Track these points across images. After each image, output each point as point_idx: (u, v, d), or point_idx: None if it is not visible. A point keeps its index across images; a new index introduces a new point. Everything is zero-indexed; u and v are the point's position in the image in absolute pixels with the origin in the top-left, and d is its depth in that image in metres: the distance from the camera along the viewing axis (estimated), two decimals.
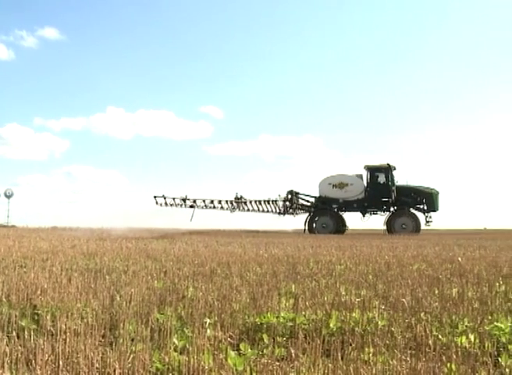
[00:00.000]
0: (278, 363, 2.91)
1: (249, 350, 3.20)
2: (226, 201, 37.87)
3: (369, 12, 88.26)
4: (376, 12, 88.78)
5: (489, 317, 4.07)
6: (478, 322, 3.84)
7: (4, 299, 4.55)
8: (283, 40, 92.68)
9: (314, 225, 35.84)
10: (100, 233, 24.96)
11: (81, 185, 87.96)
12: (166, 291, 5.15)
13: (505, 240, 20.88)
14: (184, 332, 3.56)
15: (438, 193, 36.04)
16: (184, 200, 37.90)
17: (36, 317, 3.97)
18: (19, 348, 3.03)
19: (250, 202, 37.80)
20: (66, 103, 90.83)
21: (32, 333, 3.33)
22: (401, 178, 36.69)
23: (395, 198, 35.11)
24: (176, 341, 3.31)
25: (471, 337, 3.48)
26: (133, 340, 3.28)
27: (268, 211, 37.93)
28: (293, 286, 5.63)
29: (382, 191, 35.39)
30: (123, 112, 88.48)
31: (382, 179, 35.95)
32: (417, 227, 34.65)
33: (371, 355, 3.12)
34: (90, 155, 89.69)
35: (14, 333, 3.43)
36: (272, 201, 37.64)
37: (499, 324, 3.76)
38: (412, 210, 35.48)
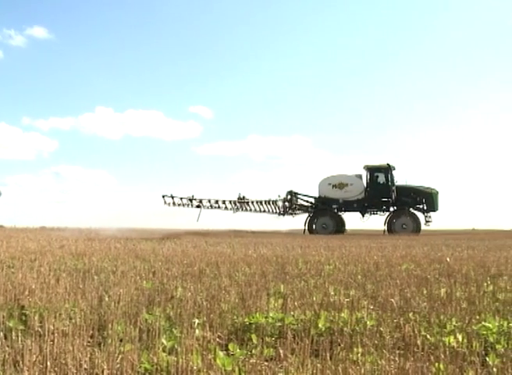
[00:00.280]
0: (266, 363, 2.91)
1: (238, 350, 3.20)
2: (230, 202, 37.72)
3: (357, 11, 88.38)
4: (363, 11, 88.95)
5: (477, 317, 4.09)
6: (466, 322, 3.85)
7: None
8: (272, 41, 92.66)
9: (314, 225, 35.78)
10: (88, 233, 24.87)
11: (70, 185, 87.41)
12: (155, 291, 5.14)
13: (493, 240, 20.99)
14: (173, 332, 3.55)
15: (437, 193, 35.99)
16: (191, 200, 37.61)
17: (23, 318, 3.95)
18: (7, 348, 3.02)
19: (252, 203, 37.69)
20: (55, 103, 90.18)
21: (19, 333, 3.32)
22: (400, 178, 36.65)
23: (395, 198, 35.10)
24: (165, 342, 3.30)
25: (459, 336, 3.49)
26: (121, 340, 3.27)
27: (269, 211, 37.87)
28: (282, 286, 5.63)
29: (382, 191, 35.33)
30: (112, 112, 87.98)
31: (381, 179, 35.88)
32: (417, 227, 34.60)
33: (359, 355, 3.12)
34: (78, 155, 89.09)
35: (1, 334, 3.40)
36: (272, 201, 37.57)
37: (486, 324, 3.78)
38: (412, 210, 35.46)
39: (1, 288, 4.92)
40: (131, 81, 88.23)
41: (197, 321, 3.81)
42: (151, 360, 2.93)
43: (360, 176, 36.44)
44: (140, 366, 2.86)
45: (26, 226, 38.36)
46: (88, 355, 2.94)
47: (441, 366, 2.82)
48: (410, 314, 4.20)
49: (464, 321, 3.88)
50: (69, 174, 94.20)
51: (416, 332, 3.54)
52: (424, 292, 5.36)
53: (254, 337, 3.55)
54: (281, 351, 3.02)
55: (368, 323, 3.87)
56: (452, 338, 3.48)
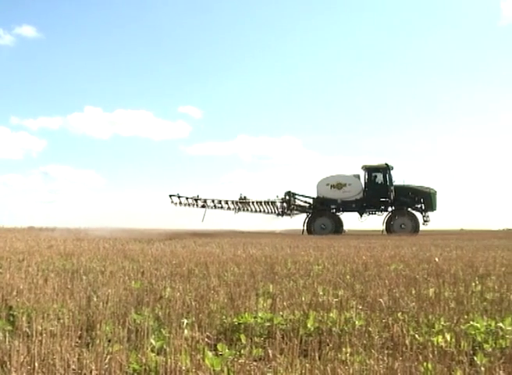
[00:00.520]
0: (255, 363, 2.91)
1: (226, 350, 3.20)
2: (232, 202, 37.61)
3: (347, 11, 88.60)
4: (353, 11, 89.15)
5: (465, 317, 4.10)
6: (455, 321, 3.87)
7: None
8: (262, 42, 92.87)
9: (312, 226, 35.72)
10: (77, 233, 24.79)
11: (58, 185, 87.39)
12: (143, 291, 5.13)
13: (481, 240, 21.06)
14: (161, 332, 3.55)
15: (436, 192, 36.00)
16: (196, 200, 37.41)
17: (11, 318, 3.93)
18: None
19: (253, 203, 37.60)
20: (43, 102, 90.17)
21: (7, 334, 3.31)
22: (398, 178, 36.64)
23: (393, 198, 35.10)
24: (153, 342, 3.29)
25: (448, 336, 3.50)
26: (109, 341, 3.26)
27: (268, 212, 37.80)
28: (271, 286, 5.63)
29: (381, 191, 35.30)
30: (101, 112, 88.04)
31: (380, 179, 35.90)
32: (416, 227, 34.62)
33: (348, 354, 3.13)
34: (67, 154, 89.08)
35: None
36: (271, 202, 37.51)
37: (474, 323, 3.80)
38: (410, 210, 35.47)
39: None
40: (120, 81, 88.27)
41: (185, 321, 3.81)
42: (139, 360, 2.92)
43: (358, 177, 36.41)
44: (129, 367, 2.85)
45: (14, 226, 38.23)
46: (76, 356, 2.93)
47: (429, 365, 2.83)
48: (399, 314, 4.20)
49: (453, 321, 3.89)
50: (58, 174, 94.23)
51: (404, 332, 3.56)
52: (413, 292, 5.37)
53: (242, 337, 3.55)
54: (270, 351, 3.02)
55: (356, 322, 3.88)
56: (440, 338, 3.49)
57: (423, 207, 35.45)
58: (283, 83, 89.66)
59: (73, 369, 2.79)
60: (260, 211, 37.81)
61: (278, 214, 37.44)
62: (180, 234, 26.88)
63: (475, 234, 33.14)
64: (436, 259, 9.27)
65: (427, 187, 36.12)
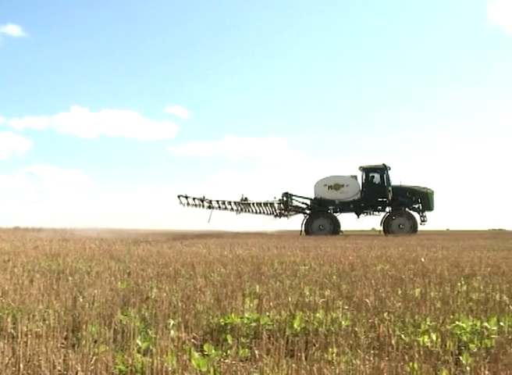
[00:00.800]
0: (241, 364, 2.91)
1: (213, 351, 3.20)
2: (235, 203, 37.44)
3: (334, 12, 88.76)
4: (343, 12, 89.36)
5: (451, 316, 4.12)
6: (440, 321, 3.88)
7: None
8: (249, 42, 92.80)
9: (310, 227, 35.63)
10: (63, 233, 24.68)
11: (44, 185, 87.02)
12: (130, 292, 5.12)
13: (467, 240, 21.17)
14: (148, 333, 3.54)
15: (433, 192, 35.95)
16: (202, 200, 37.18)
17: None
18: None
19: (253, 204, 37.50)
20: (29, 102, 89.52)
21: None
22: (395, 178, 36.63)
23: (391, 199, 35.13)
24: (140, 343, 3.29)
25: (433, 336, 3.52)
26: (95, 341, 3.25)
27: (268, 213, 37.72)
28: (258, 286, 5.63)
29: (378, 192, 35.19)
30: (87, 112, 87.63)
31: (377, 179, 35.88)
32: (414, 227, 34.64)
33: (334, 355, 3.13)
34: (53, 154, 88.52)
35: None
36: (270, 203, 37.44)
37: (460, 323, 3.82)
38: (408, 210, 35.49)
39: None
40: (107, 81, 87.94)
41: (172, 322, 3.80)
42: (125, 361, 2.91)
43: (355, 177, 36.35)
44: (115, 368, 2.84)
45: None
46: (62, 357, 2.92)
47: (415, 365, 2.84)
48: (385, 314, 4.22)
49: (438, 321, 3.91)
50: (44, 174, 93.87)
51: (390, 332, 3.57)
52: (399, 292, 5.39)
53: (229, 337, 3.55)
54: (256, 352, 3.02)
55: (342, 323, 3.89)
56: (426, 338, 3.51)
57: (420, 207, 35.52)
58: (270, 84, 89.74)
59: (59, 371, 2.78)
60: (260, 212, 37.76)
61: (275, 215, 37.41)
62: (169, 235, 26.82)
63: (461, 235, 33.32)
64: (422, 259, 9.30)
65: (424, 187, 36.14)
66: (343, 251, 12.65)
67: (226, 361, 2.84)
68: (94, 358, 2.84)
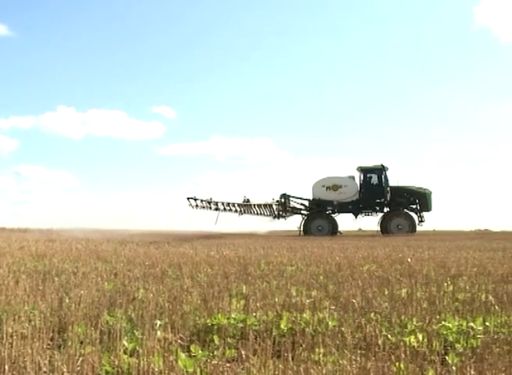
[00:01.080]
0: (228, 364, 2.90)
1: (199, 351, 3.19)
2: (238, 205, 37.34)
3: (325, 13, 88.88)
4: (335, 13, 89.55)
5: (437, 317, 4.13)
6: (427, 321, 3.90)
7: None
8: (237, 43, 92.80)
9: (309, 228, 35.58)
10: (49, 234, 24.56)
11: (30, 185, 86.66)
12: (116, 292, 5.10)
13: (453, 241, 21.25)
14: (134, 334, 3.53)
15: (431, 193, 36.06)
16: (209, 202, 36.99)
17: None
18: None
19: (254, 206, 37.43)
20: (15, 101, 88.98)
21: None
22: (392, 179, 36.67)
23: (389, 199, 35.17)
24: (126, 344, 3.28)
25: (420, 336, 3.53)
26: (82, 342, 3.23)
27: (268, 214, 37.70)
28: (244, 287, 5.63)
29: (376, 192, 35.26)
30: (74, 112, 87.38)
31: (375, 180, 35.92)
32: (412, 227, 34.73)
33: (321, 355, 3.13)
34: (39, 154, 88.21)
35: None
36: (269, 204, 37.41)
37: (446, 323, 3.84)
38: (406, 210, 35.54)
39: None
40: (94, 81, 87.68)
41: (158, 322, 3.79)
42: (112, 362, 2.90)
43: (353, 178, 36.39)
44: (101, 369, 2.83)
45: None
46: (48, 358, 2.90)
47: (402, 365, 2.85)
48: (372, 314, 4.23)
49: (425, 321, 3.92)
50: (30, 174, 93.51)
51: (377, 332, 3.58)
52: (386, 292, 5.40)
53: (216, 338, 3.54)
54: (243, 352, 3.02)
55: (329, 323, 3.90)
56: (412, 338, 3.52)
57: (418, 207, 35.62)
58: (257, 85, 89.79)
59: (44, 372, 2.76)
60: (260, 213, 37.75)
61: (274, 216, 37.42)
62: (159, 236, 26.73)
63: (448, 235, 33.42)
64: (409, 260, 9.33)
65: (422, 188, 36.24)
66: (329, 251, 12.67)
67: (213, 362, 2.84)
68: (80, 359, 2.83)
